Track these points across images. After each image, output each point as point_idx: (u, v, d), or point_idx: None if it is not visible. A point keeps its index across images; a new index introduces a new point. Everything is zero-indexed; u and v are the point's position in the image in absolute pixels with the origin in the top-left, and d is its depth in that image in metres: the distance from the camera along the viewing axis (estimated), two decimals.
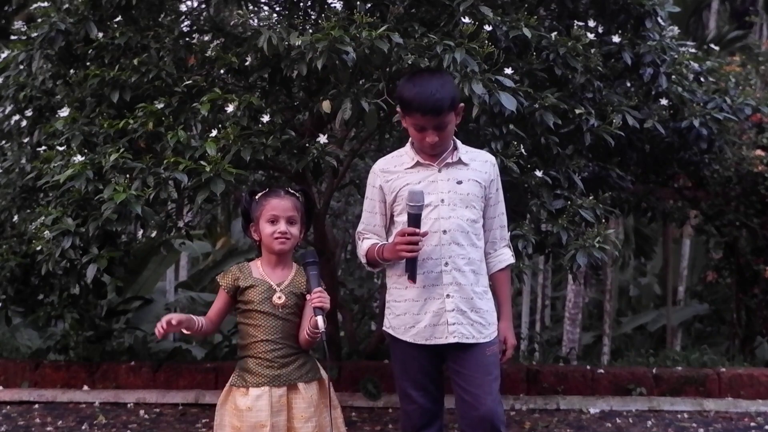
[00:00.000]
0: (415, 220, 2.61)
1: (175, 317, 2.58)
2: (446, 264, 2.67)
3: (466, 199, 2.70)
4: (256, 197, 2.74)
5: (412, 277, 2.64)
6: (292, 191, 2.76)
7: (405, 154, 2.78)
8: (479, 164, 2.77)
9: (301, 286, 2.67)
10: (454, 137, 2.79)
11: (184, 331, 2.64)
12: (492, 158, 2.86)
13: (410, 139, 2.77)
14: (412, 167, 2.74)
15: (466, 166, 2.74)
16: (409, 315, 2.73)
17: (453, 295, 2.68)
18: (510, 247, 2.89)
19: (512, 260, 2.87)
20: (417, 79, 2.73)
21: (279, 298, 2.65)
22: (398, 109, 2.78)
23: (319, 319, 2.53)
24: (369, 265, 2.83)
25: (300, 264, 2.72)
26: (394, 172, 2.75)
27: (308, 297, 2.61)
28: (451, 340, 2.68)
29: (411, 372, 2.77)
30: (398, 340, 2.76)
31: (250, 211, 2.75)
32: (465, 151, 2.78)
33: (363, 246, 2.80)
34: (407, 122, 2.72)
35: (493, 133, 3.64)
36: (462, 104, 2.78)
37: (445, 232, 2.67)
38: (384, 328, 2.84)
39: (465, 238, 2.69)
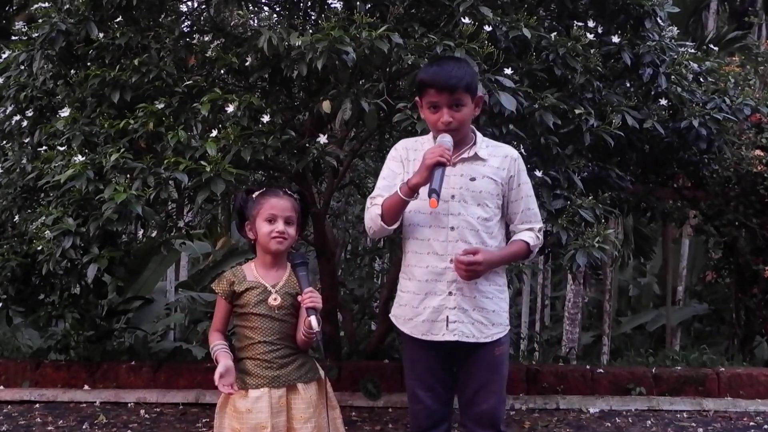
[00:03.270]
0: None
1: (221, 371, 2.62)
2: (451, 261, 2.63)
3: (479, 197, 2.65)
4: (254, 195, 2.72)
5: (437, 195, 2.48)
6: (290, 192, 2.75)
7: (426, 142, 2.72)
8: (498, 160, 2.69)
9: (296, 286, 2.66)
10: (477, 131, 2.74)
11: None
12: (514, 153, 2.75)
13: (431, 131, 2.71)
14: None
15: (483, 161, 2.67)
16: (408, 307, 2.72)
17: (455, 293, 2.65)
18: (538, 238, 2.72)
19: (530, 241, 2.69)
20: (435, 61, 2.84)
21: (275, 300, 2.64)
22: (417, 99, 2.72)
23: (312, 319, 2.52)
24: (384, 221, 2.64)
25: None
26: (414, 154, 2.69)
27: (299, 298, 2.60)
28: (451, 338, 2.66)
29: (418, 371, 2.75)
30: (407, 337, 2.75)
31: (245, 209, 2.72)
32: (485, 146, 2.71)
33: (375, 208, 2.66)
34: (423, 107, 2.67)
35: (492, 133, 3.64)
36: (481, 95, 2.73)
37: (452, 228, 2.64)
38: (390, 315, 2.83)
39: (474, 237, 2.64)
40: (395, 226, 2.67)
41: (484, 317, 2.68)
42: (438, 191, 2.49)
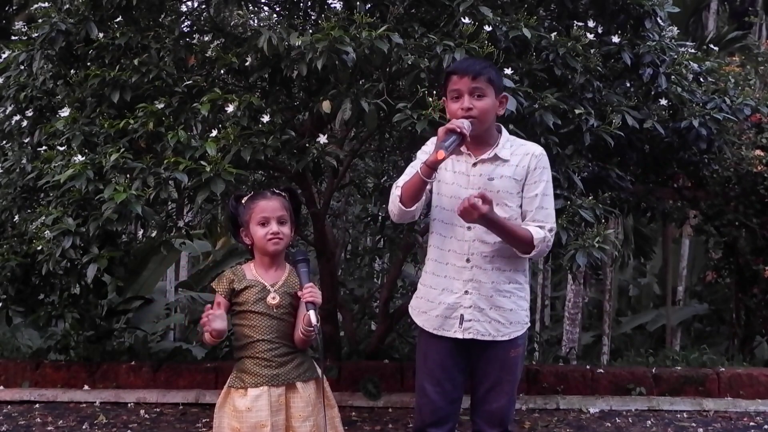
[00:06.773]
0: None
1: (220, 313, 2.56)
2: (468, 260, 2.65)
3: (497, 197, 2.61)
4: (243, 201, 2.73)
5: (445, 150, 2.45)
6: (277, 191, 2.76)
7: None
8: (518, 158, 2.68)
9: (295, 285, 2.66)
10: (503, 131, 2.72)
11: (214, 340, 2.60)
12: (536, 150, 2.71)
13: None
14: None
15: (504, 161, 2.66)
16: (424, 300, 2.75)
17: (472, 292, 2.66)
18: (546, 236, 2.64)
19: (535, 234, 2.61)
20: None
21: (273, 299, 2.65)
22: (443, 98, 2.74)
23: (311, 314, 2.53)
24: (402, 201, 2.61)
25: (290, 263, 2.73)
26: None
27: (299, 293, 2.61)
28: (467, 336, 2.67)
29: (429, 365, 2.75)
30: (421, 329, 2.76)
31: (237, 216, 2.73)
32: (509, 146, 2.70)
33: (396, 190, 2.64)
34: (447, 100, 2.67)
35: None
36: (506, 95, 2.75)
37: (469, 228, 2.64)
38: (409, 306, 2.85)
39: (491, 236, 2.63)
40: (413, 208, 2.62)
41: (501, 316, 2.68)
42: (446, 149, 2.46)
